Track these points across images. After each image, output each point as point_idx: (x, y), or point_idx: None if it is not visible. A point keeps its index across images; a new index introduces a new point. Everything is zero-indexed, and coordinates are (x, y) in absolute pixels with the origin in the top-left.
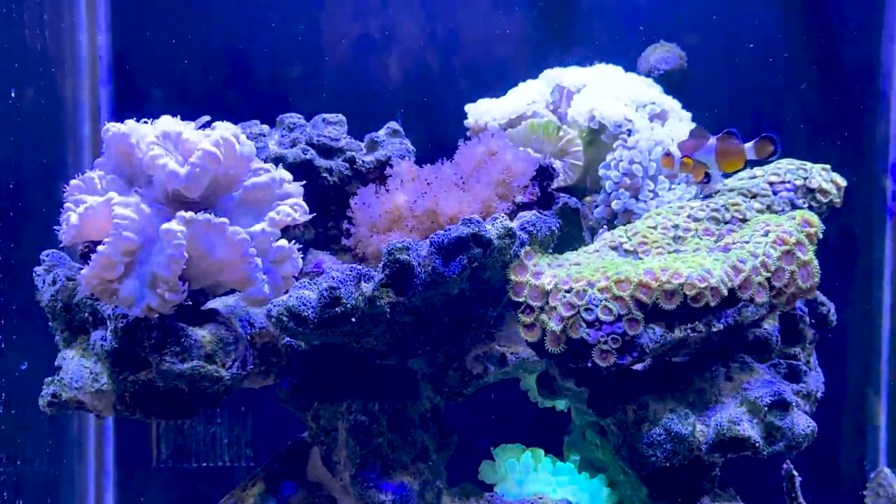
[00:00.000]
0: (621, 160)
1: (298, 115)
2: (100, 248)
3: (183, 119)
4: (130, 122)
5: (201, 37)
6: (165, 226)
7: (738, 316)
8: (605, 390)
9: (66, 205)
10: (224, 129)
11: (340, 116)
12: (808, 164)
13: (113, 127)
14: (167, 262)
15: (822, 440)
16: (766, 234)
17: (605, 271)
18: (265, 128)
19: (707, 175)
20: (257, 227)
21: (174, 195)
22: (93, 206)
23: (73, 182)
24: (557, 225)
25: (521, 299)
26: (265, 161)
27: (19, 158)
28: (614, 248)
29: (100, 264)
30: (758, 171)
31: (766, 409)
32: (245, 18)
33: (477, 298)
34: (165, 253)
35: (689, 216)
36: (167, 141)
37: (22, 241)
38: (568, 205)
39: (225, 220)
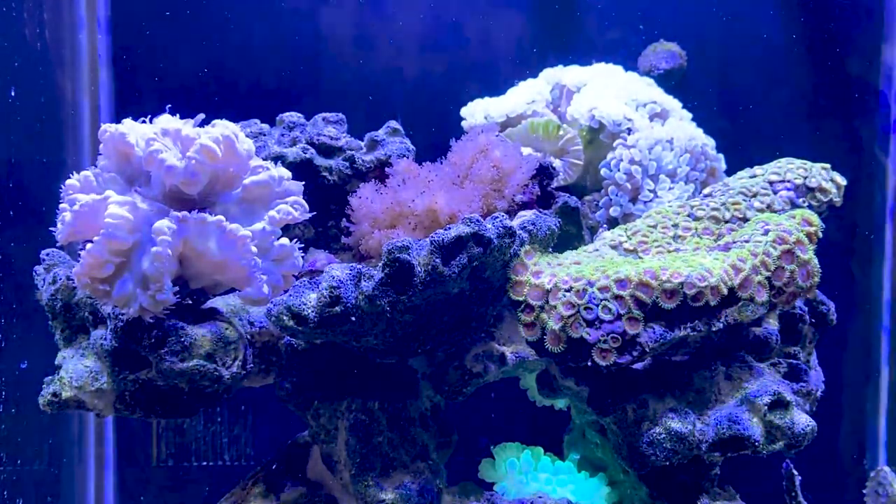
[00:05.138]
0: (621, 160)
1: (298, 114)
2: (88, 246)
3: (182, 119)
4: (128, 121)
5: (201, 36)
6: (156, 224)
7: (737, 315)
8: (605, 389)
9: (62, 204)
10: (223, 126)
11: (340, 115)
12: (808, 163)
13: (110, 128)
14: (152, 261)
15: (822, 439)
16: (766, 233)
17: (605, 270)
18: (265, 127)
19: None
20: (258, 226)
21: (174, 193)
22: (88, 204)
23: (69, 181)
24: (557, 224)
25: (520, 298)
26: (265, 160)
27: (19, 158)
28: (614, 247)
29: (88, 263)
30: (758, 169)
31: (766, 407)
32: (245, 18)
33: (477, 297)
34: (151, 252)
35: (688, 215)
36: (167, 137)
37: (22, 241)
38: (568, 204)
39: (221, 217)
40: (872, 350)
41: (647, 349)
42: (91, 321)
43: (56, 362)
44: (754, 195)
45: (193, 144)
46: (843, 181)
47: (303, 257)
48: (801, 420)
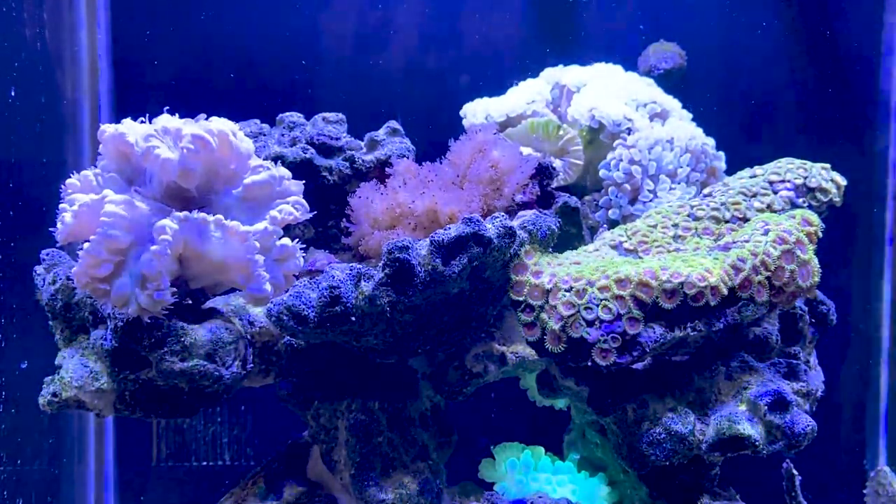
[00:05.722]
0: (621, 160)
1: (298, 114)
2: (85, 245)
3: (182, 119)
4: (127, 121)
5: (201, 36)
6: (158, 223)
7: (738, 315)
8: (605, 389)
9: (62, 204)
10: (220, 123)
11: (340, 115)
12: (809, 164)
13: (110, 128)
14: (151, 260)
15: (822, 439)
16: (766, 232)
17: (605, 270)
18: (265, 127)
19: None
20: (260, 226)
21: (172, 191)
22: (87, 204)
23: (69, 181)
24: (557, 224)
25: (521, 298)
26: (265, 160)
27: (19, 158)
28: (614, 247)
29: (86, 262)
30: (758, 169)
31: (766, 408)
32: (245, 18)
33: (477, 297)
34: (151, 250)
35: (689, 215)
36: (167, 136)
37: (22, 241)
38: (568, 204)
39: (220, 216)
40: (872, 350)
41: (647, 349)
42: (91, 321)
43: (56, 362)
44: (754, 195)
45: (186, 136)
46: (843, 181)
47: (303, 257)
48: (801, 420)
